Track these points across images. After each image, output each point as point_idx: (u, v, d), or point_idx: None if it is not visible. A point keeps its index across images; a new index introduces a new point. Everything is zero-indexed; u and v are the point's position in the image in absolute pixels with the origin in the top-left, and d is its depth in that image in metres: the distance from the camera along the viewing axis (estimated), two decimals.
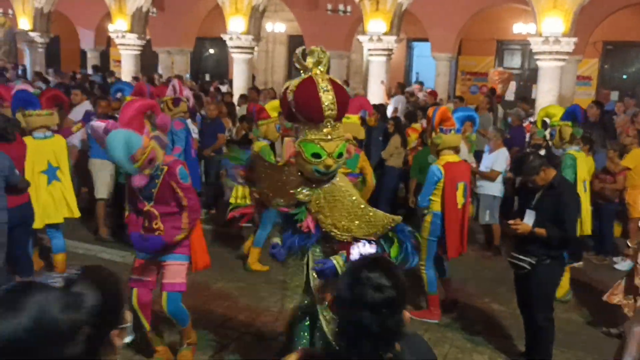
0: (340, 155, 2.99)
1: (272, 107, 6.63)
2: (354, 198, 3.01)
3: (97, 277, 1.44)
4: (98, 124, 3.99)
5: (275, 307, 5.56)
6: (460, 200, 5.19)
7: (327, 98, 2.85)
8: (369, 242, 2.38)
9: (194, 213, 4.14)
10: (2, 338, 1.24)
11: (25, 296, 1.29)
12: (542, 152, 6.78)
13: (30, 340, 1.26)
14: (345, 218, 2.94)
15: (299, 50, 2.97)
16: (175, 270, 4.29)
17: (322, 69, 2.95)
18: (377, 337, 1.65)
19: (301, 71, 2.99)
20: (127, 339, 1.60)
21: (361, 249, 2.38)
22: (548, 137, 6.21)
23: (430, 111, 5.36)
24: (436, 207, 5.19)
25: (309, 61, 2.92)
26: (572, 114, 5.95)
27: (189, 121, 7.38)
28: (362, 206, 2.99)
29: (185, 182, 4.03)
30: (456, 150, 5.33)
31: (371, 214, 2.93)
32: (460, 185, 5.18)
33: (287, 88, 2.97)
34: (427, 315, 5.35)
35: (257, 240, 6.47)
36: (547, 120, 6.37)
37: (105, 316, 1.39)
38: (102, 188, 7.42)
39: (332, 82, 2.91)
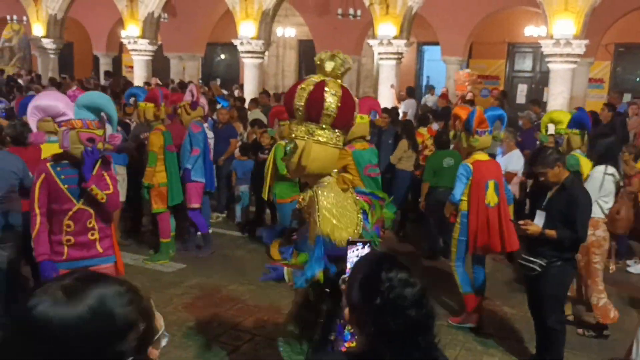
0: (285, 152, 3.01)
1: None
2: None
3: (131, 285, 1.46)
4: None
5: (286, 309, 5.58)
6: (492, 198, 5.10)
7: (331, 101, 2.86)
8: (363, 243, 2.37)
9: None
10: (59, 325, 1.25)
11: (89, 285, 1.30)
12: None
13: (85, 330, 1.26)
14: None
15: (325, 55, 2.98)
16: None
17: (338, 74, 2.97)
18: (427, 327, 1.68)
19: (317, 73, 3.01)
20: (164, 343, 1.60)
21: (359, 252, 2.36)
22: (552, 144, 6.01)
23: (463, 113, 5.29)
24: (464, 206, 5.19)
25: (328, 66, 2.95)
26: (580, 122, 5.83)
27: (205, 125, 7.42)
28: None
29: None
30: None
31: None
32: (491, 184, 5.11)
33: (297, 84, 2.98)
34: (464, 319, 5.33)
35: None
36: (551, 125, 6.22)
37: (151, 320, 1.40)
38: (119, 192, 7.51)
39: (343, 89, 2.92)
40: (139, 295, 1.37)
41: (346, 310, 1.80)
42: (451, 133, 5.73)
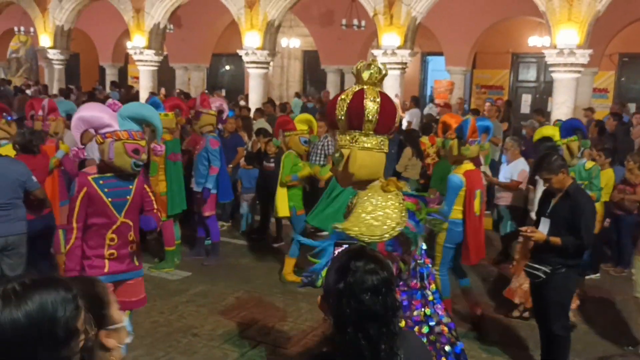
0: (333, 163, 3.10)
1: (300, 120, 6.68)
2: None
3: (76, 281, 1.46)
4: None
5: (290, 317, 5.60)
6: (478, 207, 5.23)
7: (371, 107, 2.92)
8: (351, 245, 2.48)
9: None
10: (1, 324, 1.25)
11: (32, 291, 1.30)
12: None
13: (21, 335, 1.26)
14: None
15: (361, 65, 3.05)
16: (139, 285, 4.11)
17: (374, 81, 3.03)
18: (381, 317, 1.75)
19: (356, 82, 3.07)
20: (127, 340, 1.60)
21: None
22: None
23: (453, 121, 5.39)
24: (456, 215, 5.22)
25: (365, 74, 3.01)
26: (572, 128, 5.89)
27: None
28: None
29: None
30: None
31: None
32: (478, 193, 5.23)
33: (338, 96, 3.05)
34: None
35: (292, 251, 6.50)
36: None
37: (91, 315, 1.40)
38: None
39: (381, 95, 2.98)
40: (92, 294, 1.38)
41: (319, 298, 1.91)
42: (439, 140, 5.61)
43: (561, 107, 11.11)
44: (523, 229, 4.34)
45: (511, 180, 7.19)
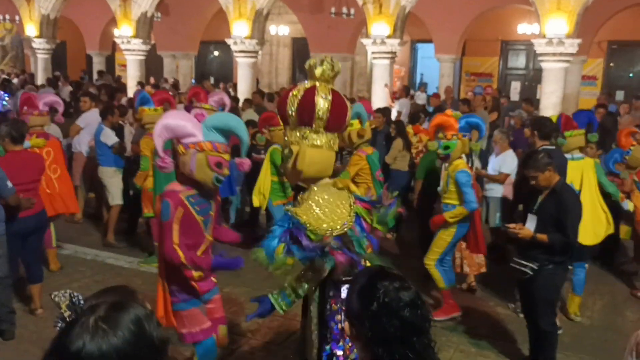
0: (282, 159, 3.07)
1: None
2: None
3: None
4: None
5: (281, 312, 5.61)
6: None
7: (322, 105, 2.89)
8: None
9: None
10: (102, 356, 1.31)
11: (121, 312, 1.37)
12: None
13: (130, 355, 1.33)
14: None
15: (314, 61, 3.00)
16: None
17: (327, 78, 2.98)
18: (423, 329, 1.75)
19: (308, 77, 3.04)
20: None
21: None
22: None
23: (454, 121, 5.40)
24: (462, 211, 5.27)
25: (318, 70, 2.97)
26: (586, 121, 5.94)
27: None
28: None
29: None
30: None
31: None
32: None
33: (289, 91, 3.02)
34: (448, 311, 5.47)
35: None
36: None
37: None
38: (118, 194, 7.54)
39: (333, 92, 2.95)
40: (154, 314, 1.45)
41: (346, 325, 1.86)
42: (432, 144, 5.42)
43: (550, 97, 11.14)
44: (510, 226, 4.36)
45: (499, 173, 7.21)
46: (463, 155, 5.41)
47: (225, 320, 3.90)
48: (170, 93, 9.93)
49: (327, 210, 2.91)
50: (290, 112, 2.94)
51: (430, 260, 5.43)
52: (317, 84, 2.93)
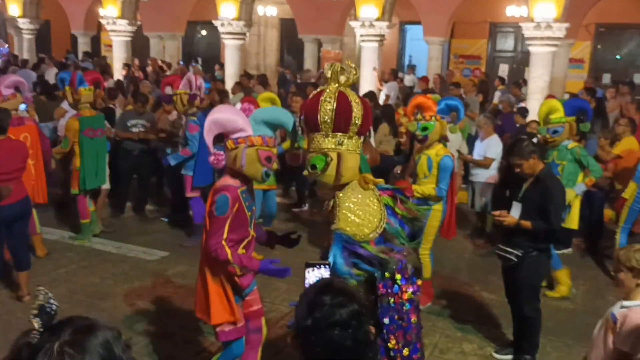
0: (313, 167, 3.03)
1: (263, 98, 6.56)
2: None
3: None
4: None
5: (268, 298, 5.64)
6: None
7: (357, 110, 2.94)
8: (323, 265, 2.47)
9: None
10: None
11: (88, 336, 1.30)
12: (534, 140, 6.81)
13: None
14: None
15: (336, 67, 3.03)
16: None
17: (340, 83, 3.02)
18: (353, 352, 1.67)
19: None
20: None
21: (317, 273, 2.45)
22: (547, 135, 5.96)
23: (433, 103, 5.37)
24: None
25: (342, 78, 3.02)
26: (580, 108, 5.95)
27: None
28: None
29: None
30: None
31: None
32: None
33: (317, 97, 3.04)
34: (425, 300, 5.50)
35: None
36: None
37: None
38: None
39: (340, 95, 2.95)
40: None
41: (289, 337, 1.82)
42: (411, 125, 5.39)
43: (537, 81, 11.16)
44: (495, 213, 4.41)
45: (485, 158, 7.25)
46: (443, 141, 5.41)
47: (262, 311, 3.89)
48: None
49: (361, 213, 2.98)
50: (324, 119, 2.95)
51: (425, 250, 5.46)
52: (344, 90, 2.99)
